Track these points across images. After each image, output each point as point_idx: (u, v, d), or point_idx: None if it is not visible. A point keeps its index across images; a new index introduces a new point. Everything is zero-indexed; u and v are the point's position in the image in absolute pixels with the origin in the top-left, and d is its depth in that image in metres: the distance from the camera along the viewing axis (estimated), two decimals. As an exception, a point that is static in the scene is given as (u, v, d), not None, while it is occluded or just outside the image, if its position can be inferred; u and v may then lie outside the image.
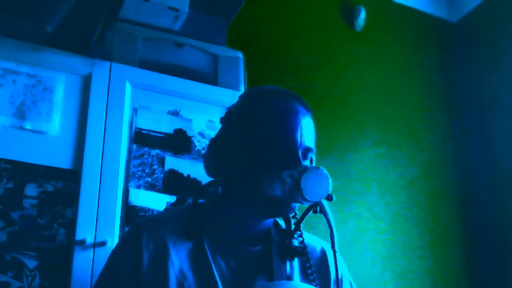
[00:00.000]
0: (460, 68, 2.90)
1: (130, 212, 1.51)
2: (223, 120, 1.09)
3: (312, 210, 1.01)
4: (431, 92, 2.79)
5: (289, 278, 1.03)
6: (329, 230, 0.95)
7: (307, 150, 1.02)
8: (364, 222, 2.35)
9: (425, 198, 2.56)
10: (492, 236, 2.58)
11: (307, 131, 1.03)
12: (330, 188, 0.94)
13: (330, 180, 0.94)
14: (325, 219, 0.96)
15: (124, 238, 1.07)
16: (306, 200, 0.94)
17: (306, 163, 1.02)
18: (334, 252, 0.93)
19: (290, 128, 1.00)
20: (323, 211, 0.96)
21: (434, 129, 2.73)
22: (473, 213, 2.65)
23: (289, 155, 0.98)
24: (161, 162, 1.61)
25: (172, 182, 1.59)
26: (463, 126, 2.80)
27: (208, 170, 1.07)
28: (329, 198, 0.98)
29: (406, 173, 2.55)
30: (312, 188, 0.92)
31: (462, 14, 2.96)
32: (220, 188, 1.10)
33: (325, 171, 0.94)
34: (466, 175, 2.71)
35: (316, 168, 0.95)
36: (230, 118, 1.07)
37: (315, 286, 1.02)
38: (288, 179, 0.93)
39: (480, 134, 2.76)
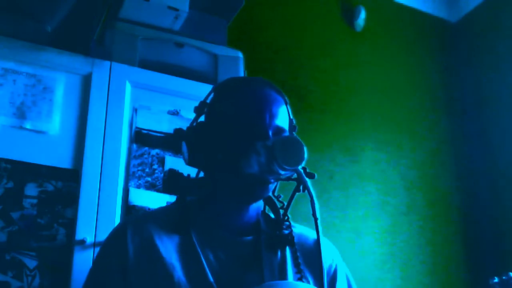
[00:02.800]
0: (460, 68, 2.90)
1: (130, 212, 1.51)
2: (197, 110, 1.11)
3: (296, 190, 1.01)
4: (431, 92, 2.79)
5: (281, 268, 1.02)
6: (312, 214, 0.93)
7: (279, 130, 1.02)
8: (364, 222, 2.35)
9: (425, 198, 2.56)
10: (492, 236, 2.58)
11: (277, 112, 1.04)
12: (306, 155, 0.93)
13: (305, 147, 0.93)
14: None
15: (109, 235, 1.07)
16: (283, 169, 0.93)
17: None
18: (316, 219, 0.92)
19: (258, 109, 1.02)
20: (301, 180, 0.94)
21: (434, 129, 2.73)
22: (473, 213, 2.65)
23: (260, 135, 0.99)
24: (161, 161, 1.61)
25: (172, 182, 1.59)
26: (463, 126, 2.80)
27: (187, 158, 1.07)
28: (311, 176, 0.99)
29: (406, 173, 2.54)
30: (287, 155, 0.92)
31: (462, 14, 2.96)
32: (204, 185, 1.11)
33: (299, 138, 0.94)
34: (466, 175, 2.70)
35: (289, 135, 0.96)
36: (204, 107, 1.10)
37: (301, 277, 1.01)
38: (263, 149, 0.94)
39: (480, 134, 2.76)
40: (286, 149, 0.92)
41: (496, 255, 2.54)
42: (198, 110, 1.11)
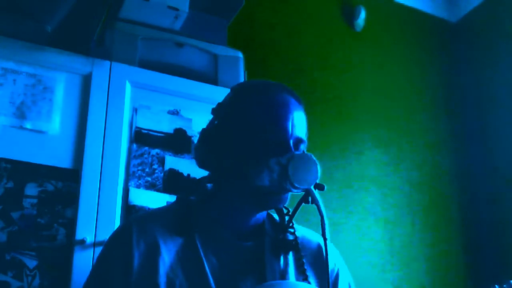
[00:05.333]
0: (460, 68, 2.90)
1: (130, 212, 1.51)
2: (214, 112, 1.08)
3: (304, 201, 0.99)
4: (431, 92, 2.79)
5: (283, 273, 1.01)
6: (320, 220, 0.93)
7: (298, 140, 1.00)
8: (364, 222, 2.35)
9: (425, 198, 2.56)
10: (492, 237, 2.58)
11: (298, 122, 1.01)
12: (319, 175, 0.92)
13: (318, 167, 0.92)
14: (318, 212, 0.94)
15: (114, 237, 1.05)
16: (295, 188, 0.92)
17: None
18: (325, 239, 0.92)
19: (281, 118, 0.99)
20: (313, 198, 0.94)
21: (434, 129, 2.73)
22: (473, 214, 2.65)
23: (280, 144, 0.97)
24: (161, 161, 1.61)
25: (172, 182, 1.59)
26: (463, 126, 2.80)
27: (198, 161, 1.06)
28: (320, 187, 0.96)
29: (405, 173, 2.54)
30: (301, 175, 0.91)
31: (462, 14, 2.96)
32: (210, 184, 1.09)
33: (313, 157, 0.93)
34: (466, 175, 2.70)
35: (304, 154, 0.93)
36: (222, 110, 1.06)
37: (306, 281, 1.01)
38: (276, 167, 0.92)
39: (480, 134, 2.76)
40: (299, 168, 0.91)
41: (496, 255, 2.54)
42: (216, 113, 1.07)
